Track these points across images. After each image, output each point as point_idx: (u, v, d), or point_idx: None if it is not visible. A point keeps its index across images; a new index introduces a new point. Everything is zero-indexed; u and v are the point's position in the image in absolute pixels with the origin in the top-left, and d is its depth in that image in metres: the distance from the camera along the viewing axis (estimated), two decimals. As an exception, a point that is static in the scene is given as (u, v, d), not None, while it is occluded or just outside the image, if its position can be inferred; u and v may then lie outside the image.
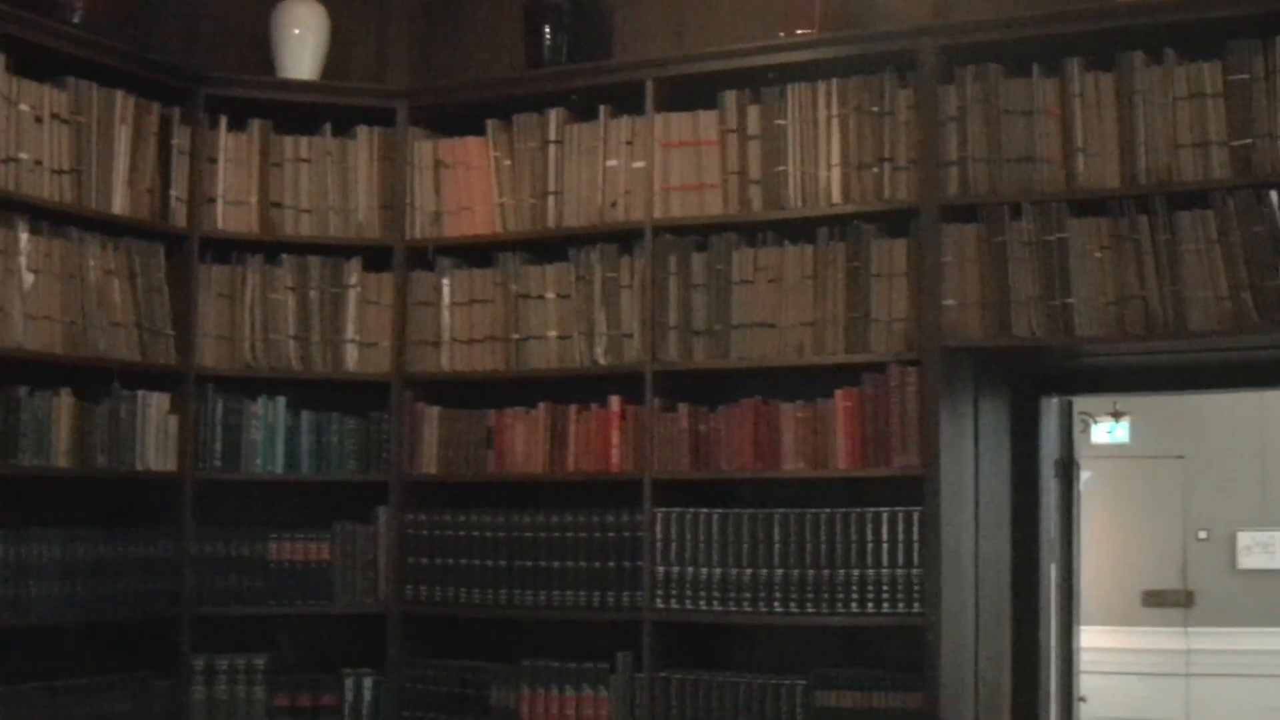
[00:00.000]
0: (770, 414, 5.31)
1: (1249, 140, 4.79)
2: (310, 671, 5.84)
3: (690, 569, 5.33)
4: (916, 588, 5.07)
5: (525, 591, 5.57)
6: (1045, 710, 6.11)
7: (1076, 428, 14.01)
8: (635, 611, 5.39)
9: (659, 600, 5.36)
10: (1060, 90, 5.01)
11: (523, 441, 5.64)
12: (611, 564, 5.45)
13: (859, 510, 5.14)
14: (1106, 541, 15.36)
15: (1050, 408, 6.10)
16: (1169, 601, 15.37)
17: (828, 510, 5.19)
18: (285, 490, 5.92)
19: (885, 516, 5.11)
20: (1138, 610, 15.53)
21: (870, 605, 5.12)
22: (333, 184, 5.91)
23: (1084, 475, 14.07)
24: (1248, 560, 14.96)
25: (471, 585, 5.65)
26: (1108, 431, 15.18)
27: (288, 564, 5.78)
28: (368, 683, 5.77)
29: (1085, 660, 12.98)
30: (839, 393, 5.22)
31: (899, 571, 5.09)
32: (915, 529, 5.07)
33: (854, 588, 5.14)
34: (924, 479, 5.06)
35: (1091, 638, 14.33)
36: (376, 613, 5.81)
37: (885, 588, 5.11)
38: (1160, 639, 15.23)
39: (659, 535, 5.37)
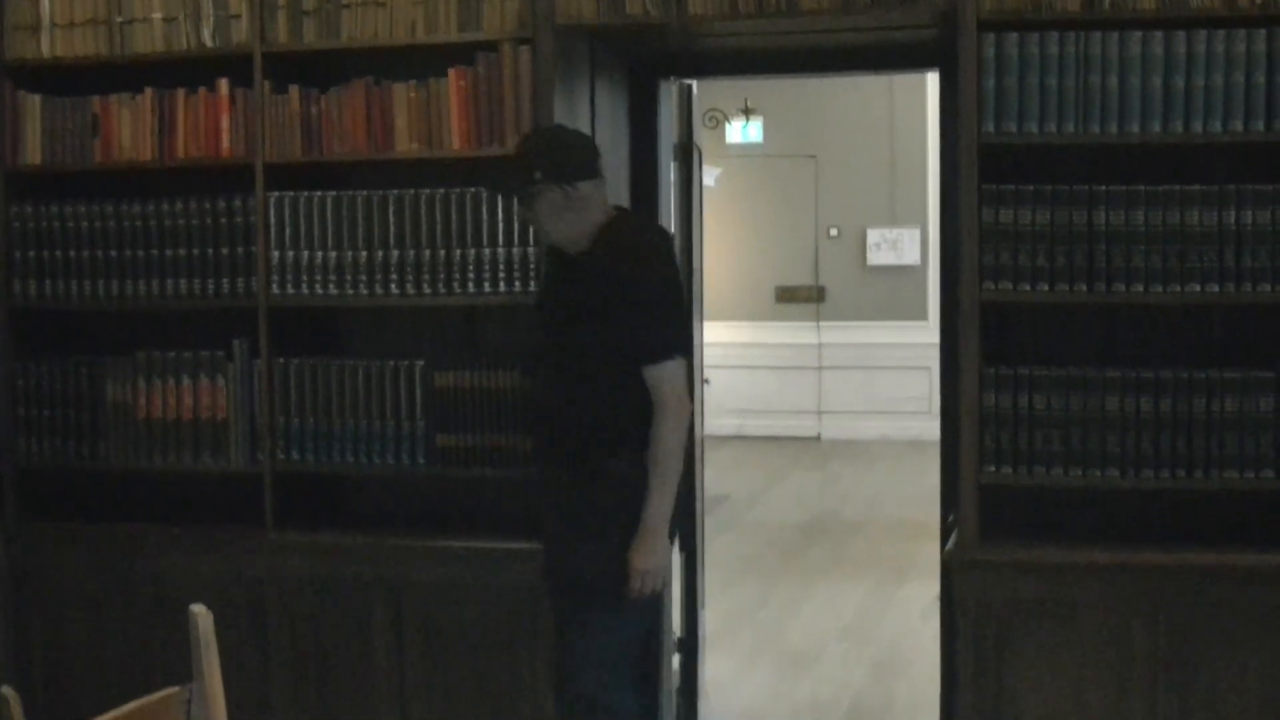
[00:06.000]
0: (382, 95, 5.22)
1: None
2: (-84, 373, 5.64)
3: (305, 253, 5.28)
4: (531, 266, 5.11)
5: (138, 282, 5.44)
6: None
7: (708, 125, 14.27)
8: (250, 298, 5.33)
9: (274, 286, 5.31)
10: None
11: (129, 129, 5.44)
12: (225, 251, 5.36)
13: (473, 190, 5.14)
14: (741, 239, 15.75)
15: (670, 91, 6.11)
16: (801, 297, 15.89)
17: (442, 190, 5.17)
18: (-121, 186, 5.63)
19: (500, 196, 5.10)
20: (771, 306, 16.04)
21: (486, 285, 5.15)
22: None
23: (714, 173, 14.42)
24: (876, 257, 15.52)
25: (82, 278, 5.50)
26: (740, 130, 15.44)
27: (-115, 262, 5.53)
28: (-21, 382, 5.61)
29: (720, 355, 13.49)
30: (452, 72, 5.16)
31: (515, 250, 5.13)
32: (529, 208, 5.08)
33: (470, 268, 5.16)
34: (538, 158, 5.05)
35: (728, 333, 14.86)
36: (-16, 310, 5.62)
37: (501, 267, 5.14)
38: (793, 334, 15.78)
39: (272, 220, 5.29)
